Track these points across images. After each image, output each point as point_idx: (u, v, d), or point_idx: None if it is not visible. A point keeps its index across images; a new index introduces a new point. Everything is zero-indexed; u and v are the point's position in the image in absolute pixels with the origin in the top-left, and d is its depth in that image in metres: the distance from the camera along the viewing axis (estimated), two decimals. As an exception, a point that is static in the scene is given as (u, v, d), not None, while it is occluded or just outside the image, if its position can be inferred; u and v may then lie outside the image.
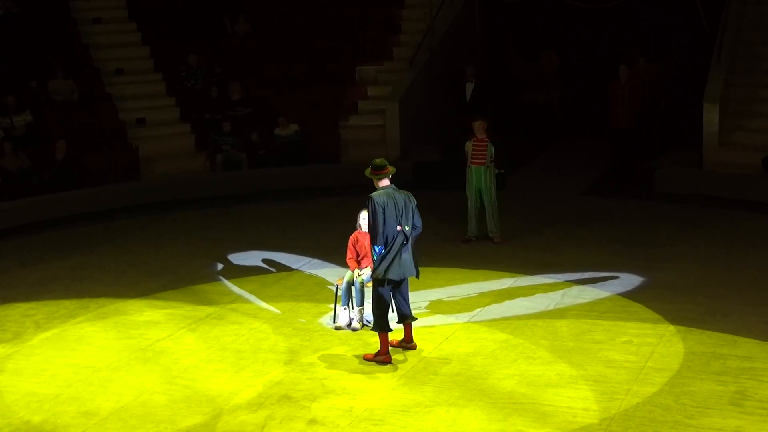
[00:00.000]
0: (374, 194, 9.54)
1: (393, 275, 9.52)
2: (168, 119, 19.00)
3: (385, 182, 9.64)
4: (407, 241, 9.52)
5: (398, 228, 9.45)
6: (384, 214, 9.39)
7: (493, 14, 20.53)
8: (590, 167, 17.76)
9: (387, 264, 9.46)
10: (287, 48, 20.30)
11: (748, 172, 15.92)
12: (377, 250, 9.51)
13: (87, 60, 19.43)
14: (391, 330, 9.70)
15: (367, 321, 10.32)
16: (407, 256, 9.56)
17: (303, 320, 10.83)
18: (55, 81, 18.24)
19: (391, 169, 9.71)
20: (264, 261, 13.22)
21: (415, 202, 9.67)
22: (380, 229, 9.42)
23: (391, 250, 9.45)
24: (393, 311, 9.90)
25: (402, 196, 9.58)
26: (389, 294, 9.67)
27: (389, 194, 9.52)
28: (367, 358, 9.66)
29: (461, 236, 13.77)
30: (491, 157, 13.36)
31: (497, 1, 19.64)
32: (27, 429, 8.53)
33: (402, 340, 9.93)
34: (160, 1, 20.92)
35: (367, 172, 9.72)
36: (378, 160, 9.74)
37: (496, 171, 13.44)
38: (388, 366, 9.52)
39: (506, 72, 21.35)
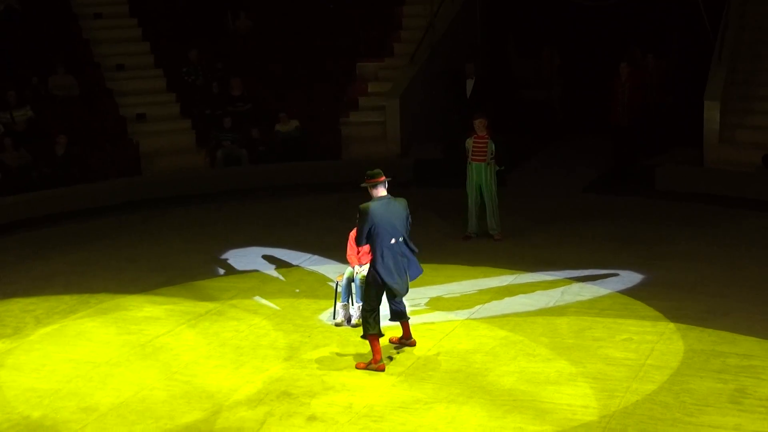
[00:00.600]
0: (364, 205, 9.29)
1: (394, 284, 9.41)
2: (168, 115, 19.00)
3: (381, 191, 9.37)
4: (405, 254, 9.42)
5: (392, 241, 9.29)
6: (375, 227, 9.18)
7: (494, 11, 20.51)
8: (591, 165, 17.74)
9: (389, 273, 9.34)
10: (288, 44, 20.29)
11: (749, 170, 15.91)
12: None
13: (88, 55, 19.43)
14: (383, 335, 9.58)
15: None
16: (404, 275, 9.45)
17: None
18: (56, 76, 18.25)
19: (384, 178, 9.37)
20: (264, 257, 13.22)
21: (408, 211, 9.51)
22: (362, 242, 9.33)
23: (394, 263, 9.34)
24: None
25: (398, 206, 9.40)
26: (382, 295, 9.50)
27: (384, 205, 9.30)
28: (359, 368, 9.46)
29: (461, 233, 13.77)
30: (492, 154, 13.35)
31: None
32: (26, 424, 8.53)
33: (401, 337, 9.93)
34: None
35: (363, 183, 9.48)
36: (372, 170, 9.46)
37: (497, 168, 13.44)
38: (388, 363, 9.50)
39: (507, 69, 21.33)
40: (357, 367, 9.46)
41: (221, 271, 12.69)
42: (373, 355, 9.46)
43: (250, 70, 19.63)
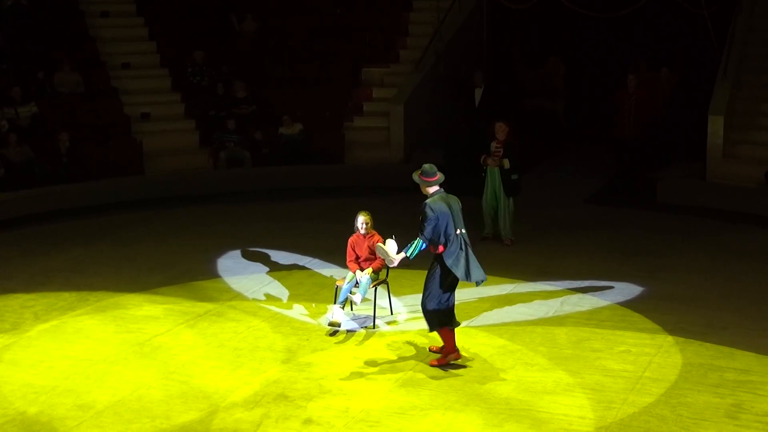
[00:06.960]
0: (429, 200, 9.41)
1: (477, 276, 9.45)
2: (173, 115, 19.01)
3: (436, 187, 9.52)
4: (468, 245, 9.47)
5: (456, 232, 9.36)
6: (437, 218, 9.27)
7: (501, 19, 20.52)
8: (594, 175, 17.74)
9: (465, 265, 9.38)
10: (294, 47, 20.31)
11: (751, 185, 15.91)
12: (416, 246, 9.36)
13: (94, 53, 19.45)
14: (458, 324, 9.61)
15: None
16: (475, 261, 9.50)
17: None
18: (62, 73, 18.26)
19: (440, 177, 9.53)
20: (264, 259, 13.22)
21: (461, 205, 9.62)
22: (429, 235, 9.27)
23: (465, 254, 9.40)
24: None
25: (453, 200, 9.53)
26: (453, 286, 9.50)
27: (443, 198, 9.45)
28: (437, 364, 9.47)
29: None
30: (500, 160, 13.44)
31: (505, 7, 19.66)
32: (22, 420, 8.53)
33: (441, 348, 9.79)
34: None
35: (415, 175, 9.56)
36: (427, 166, 9.59)
37: (506, 167, 13.39)
38: (385, 368, 9.51)
39: (512, 78, 21.33)
40: (432, 365, 9.45)
41: (221, 272, 12.69)
42: (447, 348, 9.51)
43: (255, 72, 19.65)
